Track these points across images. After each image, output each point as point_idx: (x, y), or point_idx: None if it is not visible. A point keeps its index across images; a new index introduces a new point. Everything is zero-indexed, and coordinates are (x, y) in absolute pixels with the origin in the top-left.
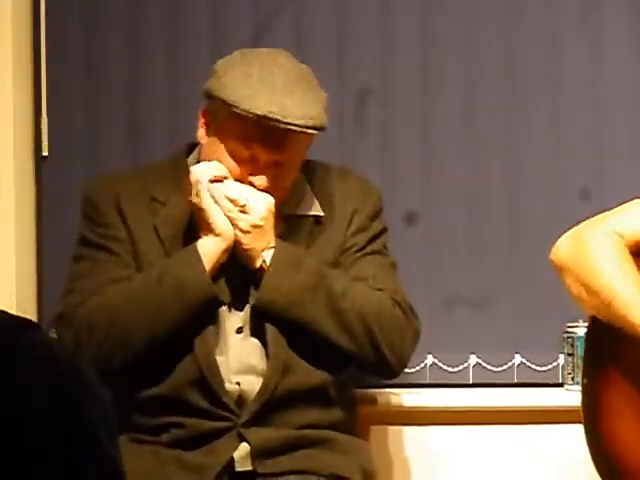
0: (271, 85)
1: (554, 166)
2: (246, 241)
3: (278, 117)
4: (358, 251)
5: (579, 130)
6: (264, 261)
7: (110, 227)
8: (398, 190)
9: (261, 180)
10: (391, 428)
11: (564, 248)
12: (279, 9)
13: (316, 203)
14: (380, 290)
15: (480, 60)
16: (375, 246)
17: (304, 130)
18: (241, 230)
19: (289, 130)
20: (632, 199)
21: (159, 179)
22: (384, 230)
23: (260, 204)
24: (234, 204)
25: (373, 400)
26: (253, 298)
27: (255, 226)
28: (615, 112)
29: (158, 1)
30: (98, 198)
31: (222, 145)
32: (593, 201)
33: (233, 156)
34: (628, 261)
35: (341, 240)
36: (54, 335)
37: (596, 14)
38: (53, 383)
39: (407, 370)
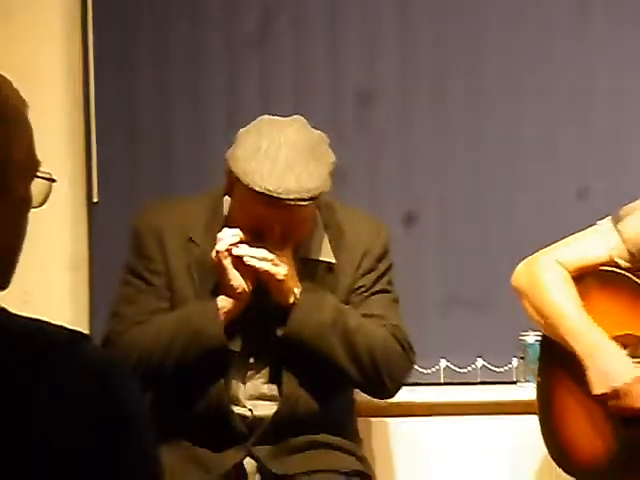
0: (275, 160)
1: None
2: (285, 286)
3: (274, 195)
4: (365, 291)
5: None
6: (295, 297)
7: (152, 261)
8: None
9: (273, 244)
10: (377, 420)
11: (521, 274)
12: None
13: (329, 249)
14: (385, 327)
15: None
16: (381, 285)
17: (299, 203)
18: (280, 280)
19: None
20: (628, 199)
21: (197, 220)
22: (390, 267)
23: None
24: (266, 260)
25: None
26: (280, 331)
27: (288, 273)
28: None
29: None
30: (143, 232)
31: (238, 203)
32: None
33: (246, 214)
34: (572, 290)
35: (350, 282)
36: None
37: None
38: (105, 392)
39: None
